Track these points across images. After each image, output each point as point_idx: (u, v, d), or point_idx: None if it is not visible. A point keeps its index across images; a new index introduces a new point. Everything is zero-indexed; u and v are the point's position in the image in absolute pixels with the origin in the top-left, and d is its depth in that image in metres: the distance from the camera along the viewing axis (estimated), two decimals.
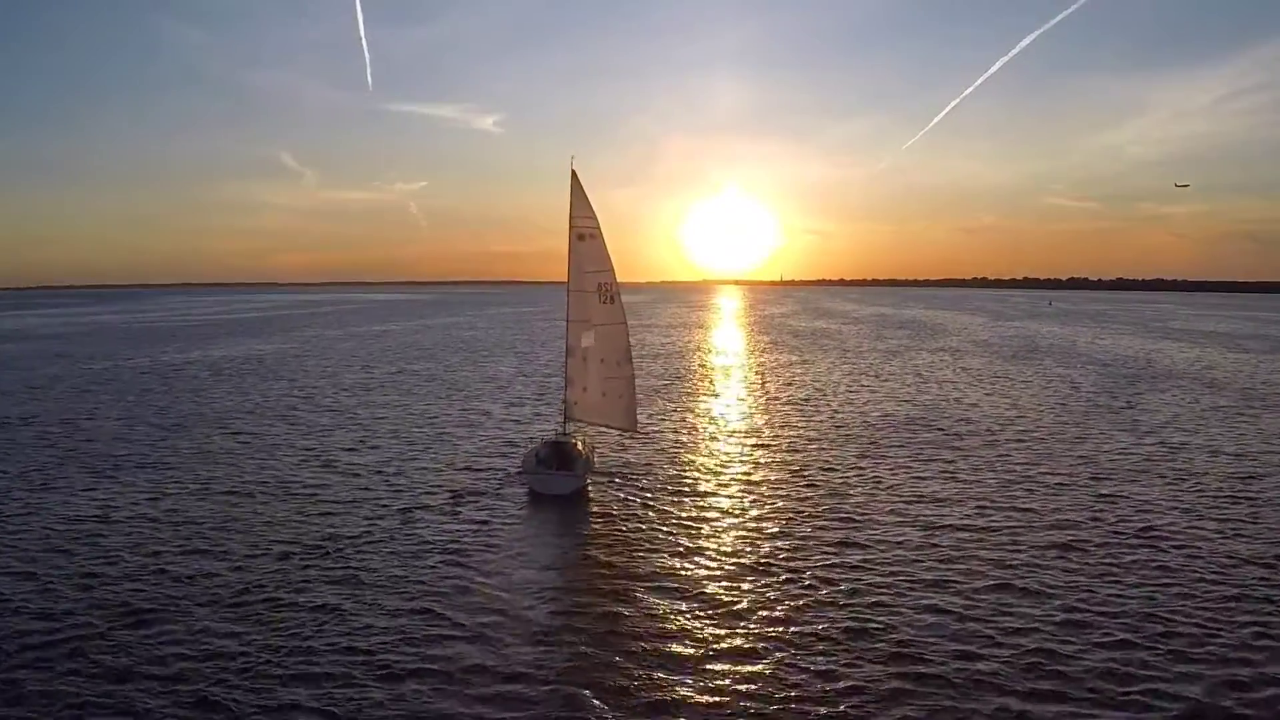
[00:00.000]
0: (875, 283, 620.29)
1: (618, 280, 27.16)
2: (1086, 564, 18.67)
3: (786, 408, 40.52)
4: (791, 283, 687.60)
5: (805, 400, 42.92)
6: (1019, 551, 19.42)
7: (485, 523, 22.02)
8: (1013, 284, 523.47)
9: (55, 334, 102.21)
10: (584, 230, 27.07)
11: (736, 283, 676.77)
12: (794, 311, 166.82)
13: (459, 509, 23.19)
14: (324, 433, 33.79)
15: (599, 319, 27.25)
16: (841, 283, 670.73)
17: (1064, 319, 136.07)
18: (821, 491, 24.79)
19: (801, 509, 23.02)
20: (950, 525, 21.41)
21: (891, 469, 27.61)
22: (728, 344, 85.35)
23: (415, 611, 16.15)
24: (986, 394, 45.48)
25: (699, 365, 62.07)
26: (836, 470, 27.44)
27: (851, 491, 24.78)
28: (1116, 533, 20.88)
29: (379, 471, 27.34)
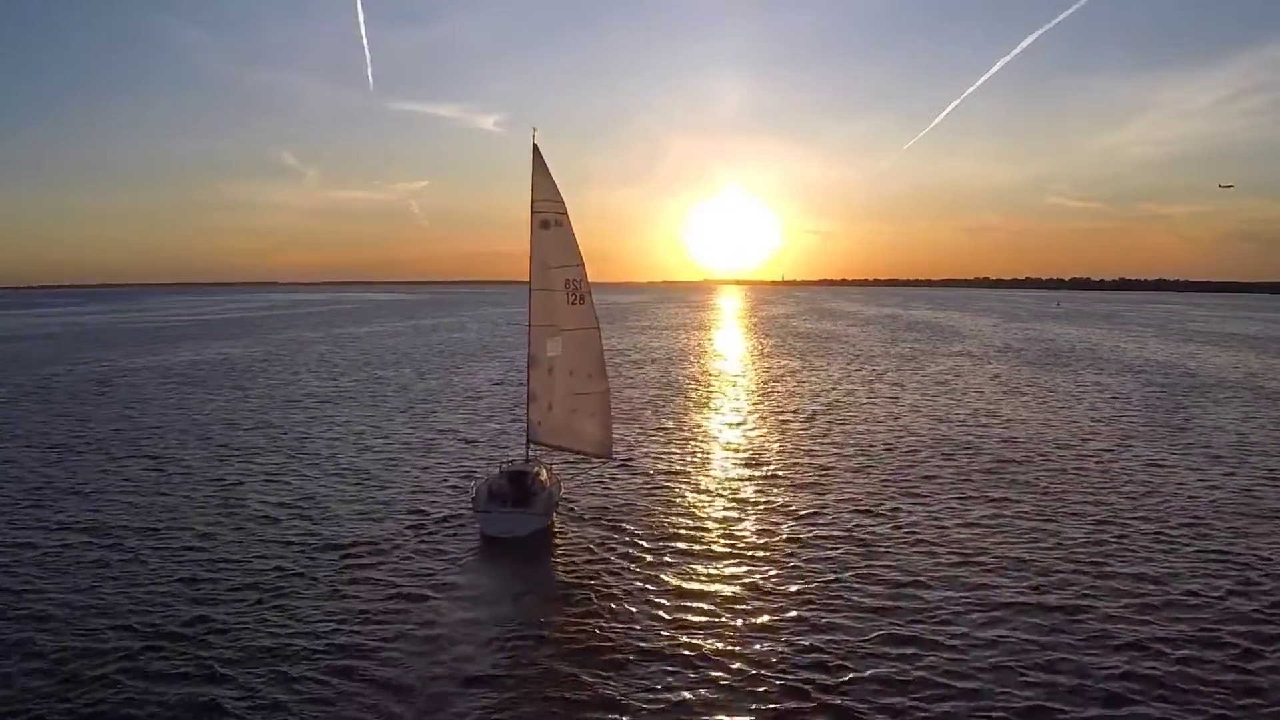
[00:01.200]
0: (877, 283, 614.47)
1: (588, 277, 22.41)
2: (1250, 673, 13.42)
3: (795, 427, 35.21)
4: (793, 283, 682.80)
5: (817, 417, 37.59)
6: (1141, 648, 14.12)
7: (415, 578, 17.26)
8: (1015, 284, 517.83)
9: (21, 335, 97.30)
10: (548, 215, 22.32)
11: (738, 282, 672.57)
12: (797, 312, 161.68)
13: (384, 560, 18.36)
14: (250, 456, 28.69)
15: (567, 323, 22.49)
16: (843, 283, 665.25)
17: (1077, 320, 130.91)
18: (843, 536, 19.70)
19: (818, 560, 18.02)
20: (1026, 597, 16.18)
21: (932, 509, 22.41)
22: (728, 348, 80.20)
23: None
24: (1027, 408, 40.04)
25: (694, 374, 56.49)
26: (862, 510, 22.24)
27: (883, 539, 19.63)
28: (1266, 614, 15.65)
29: (296, 508, 22.35)
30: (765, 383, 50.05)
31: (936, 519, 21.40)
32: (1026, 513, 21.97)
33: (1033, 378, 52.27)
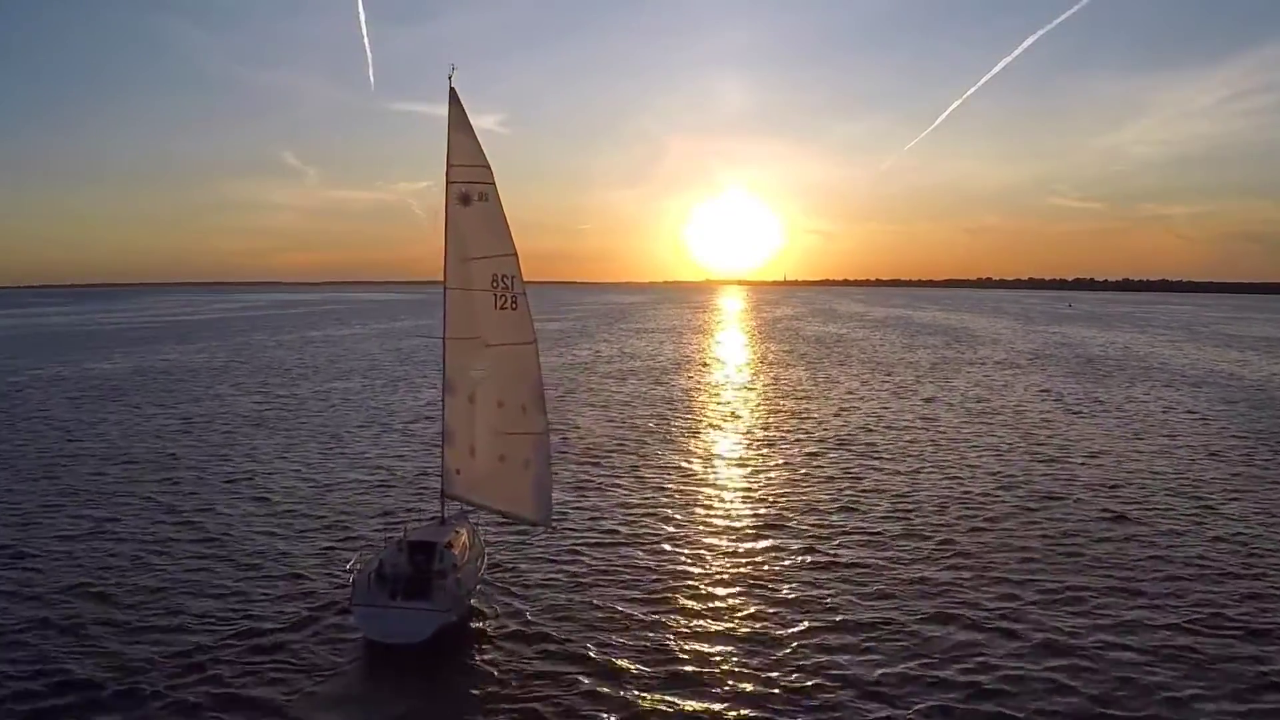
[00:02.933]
0: (879, 283, 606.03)
1: (522, 272, 15.94)
2: None
3: (812, 469, 27.69)
4: (795, 283, 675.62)
5: (839, 451, 30.04)
6: None
7: (245, 712, 11.52)
8: (1018, 284, 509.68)
9: None
10: (469, 187, 16.02)
11: (740, 283, 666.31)
12: (802, 314, 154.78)
13: (206, 681, 12.42)
14: (93, 502, 21.61)
15: (494, 335, 16.04)
16: (845, 283, 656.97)
17: (1094, 322, 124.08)
18: (894, 651, 12.77)
19: (856, 694, 11.41)
20: None
21: (1026, 594, 15.42)
22: (728, 355, 73.00)
23: None
24: (1099, 436, 32.46)
25: (686, 391, 48.17)
26: (922, 605, 15.20)
27: (956, 652, 12.71)
28: None
29: (109, 588, 15.80)
30: (772, 403, 42.73)
31: (1034, 615, 14.52)
32: (1171, 622, 15.10)
33: (1083, 392, 45.12)
